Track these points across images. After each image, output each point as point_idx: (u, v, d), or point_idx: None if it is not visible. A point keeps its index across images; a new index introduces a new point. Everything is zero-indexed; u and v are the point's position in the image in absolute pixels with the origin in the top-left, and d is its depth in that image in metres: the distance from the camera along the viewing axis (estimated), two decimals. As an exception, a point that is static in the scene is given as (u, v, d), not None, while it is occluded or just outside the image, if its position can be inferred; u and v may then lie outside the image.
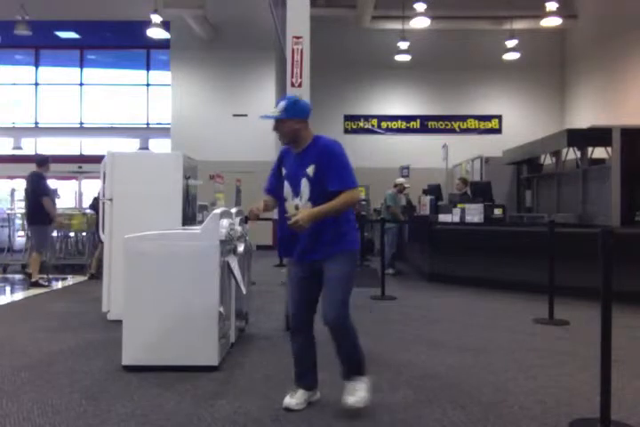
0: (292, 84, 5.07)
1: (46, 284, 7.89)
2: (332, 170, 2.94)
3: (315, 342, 3.17)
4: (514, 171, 11.85)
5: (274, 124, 3.02)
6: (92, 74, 16.69)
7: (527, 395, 3.34)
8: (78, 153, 16.28)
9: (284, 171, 3.12)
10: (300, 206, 2.94)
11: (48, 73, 16.73)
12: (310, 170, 2.97)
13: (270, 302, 6.33)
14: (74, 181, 15.81)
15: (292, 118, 2.97)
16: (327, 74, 14.62)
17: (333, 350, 3.05)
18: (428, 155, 14.72)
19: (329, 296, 2.98)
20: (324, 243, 2.99)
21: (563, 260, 5.62)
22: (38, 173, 8.02)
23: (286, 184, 3.08)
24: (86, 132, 16.57)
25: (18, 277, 9.12)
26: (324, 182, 2.94)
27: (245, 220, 3.49)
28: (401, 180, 9.82)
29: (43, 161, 7.93)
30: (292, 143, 3.06)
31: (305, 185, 2.99)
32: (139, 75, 16.63)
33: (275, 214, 10.55)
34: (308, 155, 3.01)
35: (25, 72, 16.68)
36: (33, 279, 7.79)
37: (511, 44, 14.03)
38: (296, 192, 3.02)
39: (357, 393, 3.00)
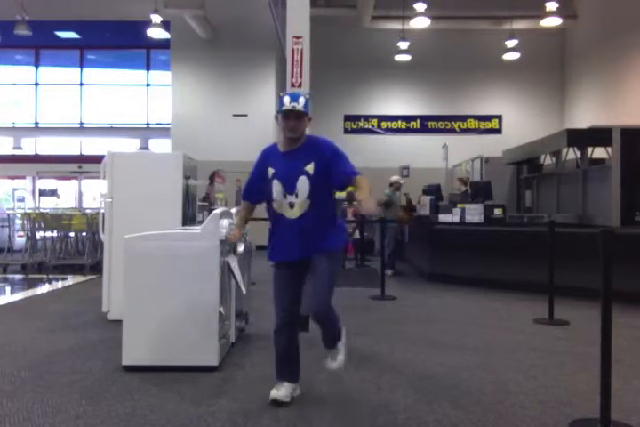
0: (292, 84, 5.08)
1: None
2: (339, 161, 3.03)
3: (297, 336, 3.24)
4: (514, 171, 11.85)
5: (291, 120, 3.00)
6: (91, 74, 16.68)
7: (527, 395, 3.34)
8: (78, 153, 16.28)
9: (271, 171, 3.09)
10: (296, 204, 3.02)
11: (48, 73, 16.73)
12: (310, 168, 3.02)
13: (270, 302, 6.29)
14: (74, 181, 15.81)
15: (308, 114, 3.06)
16: (327, 74, 14.60)
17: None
18: (428, 155, 14.71)
19: (320, 288, 3.04)
20: (315, 240, 3.05)
21: (563, 260, 5.63)
22: None
23: (277, 183, 3.06)
24: (86, 132, 16.56)
25: (18, 277, 9.13)
26: (330, 176, 3.02)
27: (245, 220, 3.50)
28: (395, 177, 9.78)
29: None
30: (296, 140, 3.07)
31: (303, 182, 3.01)
32: (139, 75, 16.62)
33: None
34: (303, 153, 3.06)
35: (25, 72, 16.67)
36: None
37: (511, 44, 14.02)
38: (289, 190, 3.03)
39: (338, 357, 3.15)
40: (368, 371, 3.76)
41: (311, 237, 3.04)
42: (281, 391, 3.12)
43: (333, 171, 3.01)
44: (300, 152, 3.07)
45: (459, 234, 7.97)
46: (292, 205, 3.03)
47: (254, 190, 3.23)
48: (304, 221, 3.04)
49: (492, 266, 7.34)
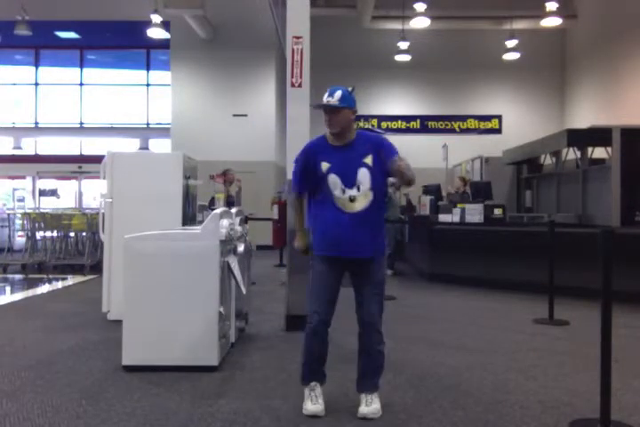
0: (292, 84, 5.07)
1: None
2: (391, 150, 3.03)
3: None
4: (514, 171, 11.86)
5: (327, 114, 2.99)
6: (91, 74, 16.68)
7: (527, 395, 3.34)
8: (78, 153, 16.28)
9: (326, 165, 2.98)
10: (358, 197, 2.96)
11: (48, 73, 16.73)
12: (369, 160, 2.99)
13: (270, 302, 6.33)
14: (74, 181, 15.81)
15: (348, 107, 3.00)
16: (327, 74, 14.58)
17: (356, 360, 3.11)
18: (428, 155, 14.68)
19: (376, 297, 3.02)
20: (377, 240, 3.02)
21: (563, 260, 5.63)
22: None
23: (334, 177, 2.97)
24: (86, 132, 16.56)
25: (18, 277, 9.12)
26: (387, 166, 3.00)
27: (245, 220, 3.50)
28: (393, 178, 9.72)
29: None
30: (341, 133, 3.02)
31: (364, 174, 2.97)
32: (139, 75, 16.62)
33: (275, 214, 10.58)
34: (359, 146, 3.04)
35: (25, 72, 16.67)
36: None
37: (511, 44, 14.02)
38: (349, 184, 2.96)
39: (373, 405, 2.99)
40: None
41: (367, 234, 2.97)
42: (317, 405, 2.99)
43: (388, 160, 2.99)
44: (355, 145, 3.04)
45: (459, 234, 7.97)
46: (352, 199, 2.96)
47: (306, 183, 3.08)
48: (364, 215, 2.97)
49: (492, 266, 7.34)
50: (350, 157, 2.99)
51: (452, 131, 15.91)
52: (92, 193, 15.24)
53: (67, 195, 15.13)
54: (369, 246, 2.98)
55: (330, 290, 3.01)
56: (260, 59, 14.19)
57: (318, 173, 3.00)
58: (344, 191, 2.96)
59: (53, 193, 13.72)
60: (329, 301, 3.00)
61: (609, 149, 8.02)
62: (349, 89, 3.04)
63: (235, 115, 14.24)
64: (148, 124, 16.43)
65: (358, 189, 2.96)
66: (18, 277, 9.12)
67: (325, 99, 2.98)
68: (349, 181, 2.96)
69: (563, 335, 4.94)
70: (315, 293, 3.03)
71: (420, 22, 13.00)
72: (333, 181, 2.97)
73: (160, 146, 15.84)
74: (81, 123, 16.46)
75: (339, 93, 2.96)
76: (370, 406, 2.97)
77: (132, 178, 5.47)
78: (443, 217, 8.33)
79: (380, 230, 3.06)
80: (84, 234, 10.21)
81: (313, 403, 3.00)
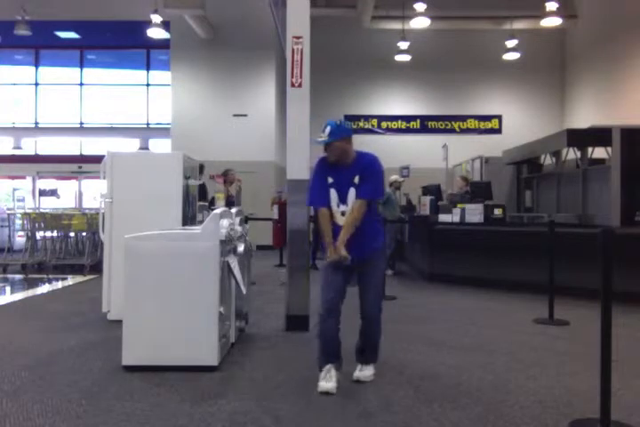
0: (292, 84, 5.07)
1: None
2: (367, 181, 3.39)
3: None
4: (514, 171, 11.86)
5: (324, 147, 3.41)
6: (92, 74, 16.69)
7: (527, 395, 3.34)
8: (78, 153, 16.28)
9: (330, 179, 3.44)
10: (347, 213, 3.38)
11: (48, 73, 16.73)
12: (356, 179, 3.40)
13: (270, 302, 6.33)
14: (74, 181, 15.81)
15: (338, 139, 3.37)
16: (327, 74, 14.62)
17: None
18: (428, 155, 14.71)
19: (376, 296, 3.52)
20: (366, 244, 3.42)
21: (563, 260, 5.63)
22: None
23: (334, 192, 3.43)
24: (86, 132, 16.56)
25: (18, 277, 9.12)
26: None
27: (246, 220, 3.56)
28: (394, 177, 9.73)
29: None
30: (341, 160, 3.41)
31: (352, 193, 3.39)
32: (139, 75, 16.63)
33: (275, 214, 10.62)
34: (355, 167, 3.43)
35: (25, 72, 16.68)
36: None
37: (511, 44, 14.03)
38: (342, 200, 3.42)
39: (365, 372, 3.55)
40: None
41: (358, 240, 3.36)
42: (331, 382, 3.31)
43: (360, 186, 3.39)
44: (351, 167, 3.44)
45: (459, 234, 7.97)
46: (343, 214, 3.40)
47: (325, 195, 3.46)
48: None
49: (492, 266, 7.34)
50: (346, 177, 3.41)
51: (452, 131, 15.93)
52: (92, 193, 15.24)
53: (67, 195, 15.13)
54: (357, 251, 3.37)
55: (336, 283, 3.40)
56: (260, 59, 14.19)
57: (326, 187, 3.45)
58: (338, 206, 3.42)
59: (53, 193, 13.70)
60: (336, 292, 3.39)
61: (609, 149, 8.02)
62: (337, 122, 3.44)
63: (235, 115, 14.23)
64: (148, 124, 16.43)
65: (347, 205, 3.40)
66: (18, 277, 9.11)
67: (319, 135, 3.41)
68: (343, 198, 3.41)
69: (563, 335, 4.94)
70: (324, 285, 3.43)
71: (420, 22, 13.01)
72: (332, 195, 3.43)
73: (160, 146, 15.84)
74: (81, 123, 16.46)
75: (328, 129, 3.37)
76: (363, 371, 3.55)
77: (132, 178, 5.46)
78: (443, 217, 8.33)
79: (369, 236, 3.44)
80: (84, 234, 10.20)
81: (327, 381, 3.32)
